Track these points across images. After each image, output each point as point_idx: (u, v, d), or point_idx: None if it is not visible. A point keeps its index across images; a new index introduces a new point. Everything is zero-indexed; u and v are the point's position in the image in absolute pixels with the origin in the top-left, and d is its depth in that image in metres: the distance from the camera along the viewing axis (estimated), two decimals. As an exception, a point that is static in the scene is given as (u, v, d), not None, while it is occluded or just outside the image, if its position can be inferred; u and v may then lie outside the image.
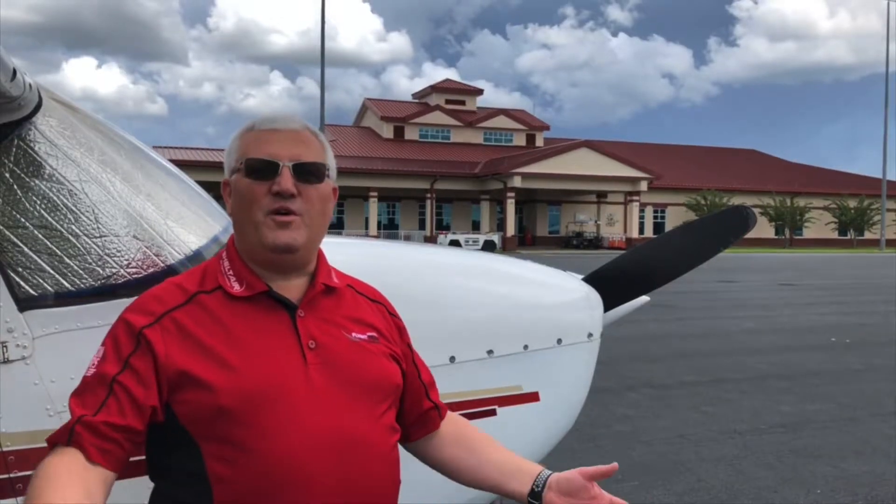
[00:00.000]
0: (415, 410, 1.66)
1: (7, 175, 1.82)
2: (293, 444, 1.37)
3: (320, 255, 1.57)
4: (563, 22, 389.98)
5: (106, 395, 1.36)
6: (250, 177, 1.47)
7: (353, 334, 1.52)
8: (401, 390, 1.59)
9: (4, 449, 1.72)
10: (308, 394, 1.41)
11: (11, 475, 1.72)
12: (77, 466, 1.30)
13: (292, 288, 1.50)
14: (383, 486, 1.48)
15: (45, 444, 1.37)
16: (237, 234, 1.53)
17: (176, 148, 56.63)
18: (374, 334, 1.56)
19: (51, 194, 1.86)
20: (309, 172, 1.48)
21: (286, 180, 1.45)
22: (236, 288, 1.47)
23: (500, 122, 74.13)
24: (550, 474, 1.55)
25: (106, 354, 1.41)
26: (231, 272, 1.50)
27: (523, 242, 63.63)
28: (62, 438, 1.34)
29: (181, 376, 1.37)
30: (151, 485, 1.49)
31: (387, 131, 71.20)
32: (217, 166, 51.22)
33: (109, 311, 1.63)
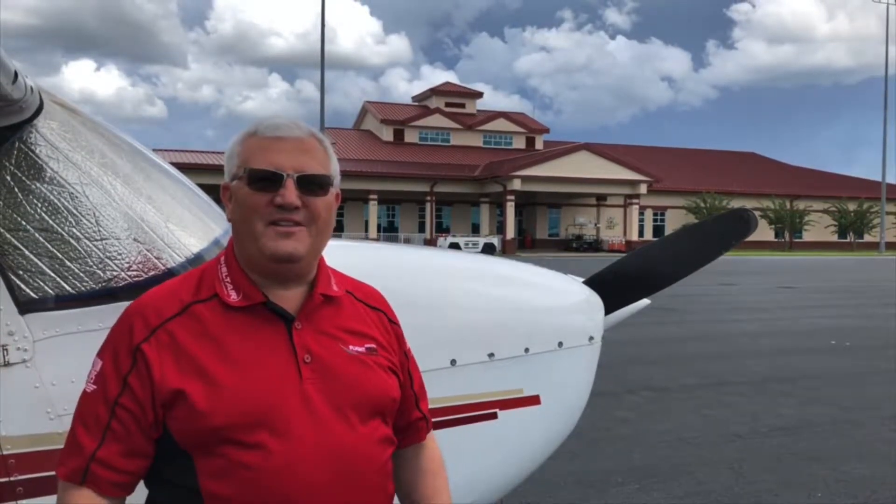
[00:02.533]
0: (402, 419, 1.62)
1: (8, 178, 1.82)
2: (286, 460, 1.35)
3: (320, 262, 1.53)
4: (562, 25, 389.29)
5: (109, 419, 1.37)
6: (252, 186, 1.42)
7: (351, 347, 1.49)
8: (397, 403, 1.56)
9: (5, 452, 1.72)
10: (302, 410, 1.39)
11: (12, 478, 1.71)
12: None
13: (290, 297, 1.46)
14: (378, 500, 1.47)
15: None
16: (236, 242, 1.49)
17: (175, 151, 56.62)
18: (372, 346, 1.52)
19: (52, 197, 1.86)
20: (314, 184, 1.43)
21: (290, 193, 1.40)
22: (233, 297, 1.44)
23: (500, 124, 74.19)
24: None
25: (104, 370, 1.41)
26: (228, 279, 1.46)
27: (523, 245, 63.63)
28: (75, 478, 1.36)
29: (174, 396, 1.36)
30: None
31: (387, 134, 71.23)
32: (217, 169, 51.11)
33: (110, 314, 1.62)
